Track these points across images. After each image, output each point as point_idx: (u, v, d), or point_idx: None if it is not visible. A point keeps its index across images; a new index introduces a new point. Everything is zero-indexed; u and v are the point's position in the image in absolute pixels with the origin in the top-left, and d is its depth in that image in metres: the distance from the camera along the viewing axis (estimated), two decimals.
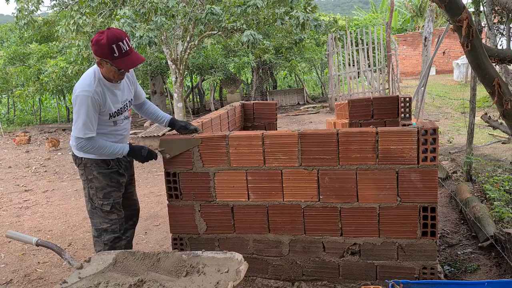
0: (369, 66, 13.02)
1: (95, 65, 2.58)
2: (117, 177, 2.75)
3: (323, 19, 9.88)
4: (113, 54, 2.43)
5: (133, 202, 3.03)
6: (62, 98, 16.84)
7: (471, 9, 4.35)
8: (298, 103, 15.81)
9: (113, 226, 2.74)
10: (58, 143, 10.05)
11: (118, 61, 2.46)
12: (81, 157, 2.69)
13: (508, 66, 4.80)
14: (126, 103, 2.76)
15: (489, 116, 4.12)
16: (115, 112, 2.67)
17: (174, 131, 2.94)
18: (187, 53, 8.45)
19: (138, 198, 3.12)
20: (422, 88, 6.68)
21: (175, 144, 2.78)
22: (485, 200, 4.04)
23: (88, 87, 2.50)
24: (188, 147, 2.76)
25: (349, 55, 12.73)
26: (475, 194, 4.23)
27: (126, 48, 2.47)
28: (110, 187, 2.72)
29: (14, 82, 13.64)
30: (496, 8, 4.39)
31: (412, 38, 22.61)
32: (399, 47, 19.05)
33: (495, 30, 4.65)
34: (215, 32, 8.25)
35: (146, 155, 2.69)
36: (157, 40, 7.08)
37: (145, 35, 6.64)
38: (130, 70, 2.66)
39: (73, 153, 2.76)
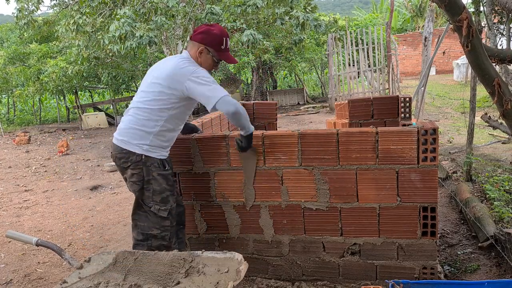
0: (369, 66, 13.02)
1: (181, 56, 2.53)
2: (172, 179, 2.58)
3: (323, 19, 9.89)
4: (221, 45, 2.50)
5: (180, 198, 2.84)
6: (62, 98, 16.85)
7: (471, 9, 4.35)
8: (298, 103, 15.81)
9: (164, 233, 2.54)
10: (68, 145, 9.50)
11: (222, 53, 2.53)
12: (141, 154, 2.45)
13: (508, 66, 4.80)
14: None
15: (489, 116, 4.12)
16: None
17: None
18: None
19: None
20: (422, 88, 6.68)
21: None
22: (485, 200, 4.04)
23: (197, 67, 2.46)
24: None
25: (349, 55, 12.73)
26: (475, 194, 4.23)
27: (228, 46, 2.57)
28: (168, 190, 2.53)
29: (14, 82, 13.65)
30: (496, 8, 4.39)
31: (412, 38, 22.61)
32: (399, 47, 19.06)
33: (495, 30, 4.65)
34: None
35: (250, 146, 2.60)
36: (157, 40, 7.08)
37: (145, 35, 6.64)
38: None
39: (126, 149, 2.47)
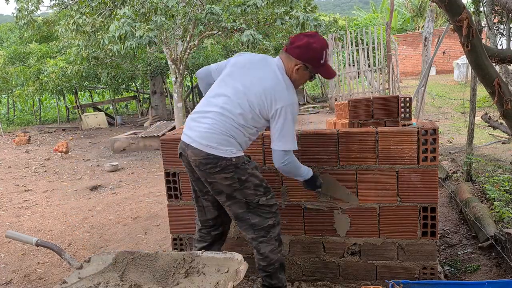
0: (369, 66, 13.02)
1: (278, 68, 2.31)
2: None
3: (323, 19, 9.88)
4: (320, 60, 2.26)
5: None
6: (62, 98, 16.85)
7: (471, 9, 4.35)
8: (298, 103, 15.80)
9: (278, 217, 2.46)
10: (68, 147, 8.95)
11: (322, 69, 2.29)
12: (230, 157, 2.25)
13: (508, 66, 4.80)
14: None
15: (489, 116, 4.12)
16: None
17: (173, 131, 2.93)
18: (187, 53, 8.45)
19: None
20: (422, 88, 6.68)
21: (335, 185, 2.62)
22: (485, 200, 4.04)
23: (294, 95, 2.30)
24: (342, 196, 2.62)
25: (349, 55, 12.73)
26: (475, 194, 4.23)
27: (328, 57, 2.32)
28: (263, 179, 2.42)
29: (14, 82, 13.64)
30: (496, 8, 4.40)
31: (412, 38, 22.63)
32: (399, 47, 19.06)
33: (495, 30, 4.65)
34: (215, 32, 8.25)
35: (319, 186, 2.50)
36: (157, 40, 7.08)
37: (145, 35, 6.63)
38: None
39: (212, 155, 2.24)
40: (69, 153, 9.14)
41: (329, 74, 2.34)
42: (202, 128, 2.26)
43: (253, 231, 2.38)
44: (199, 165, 2.28)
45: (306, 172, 2.41)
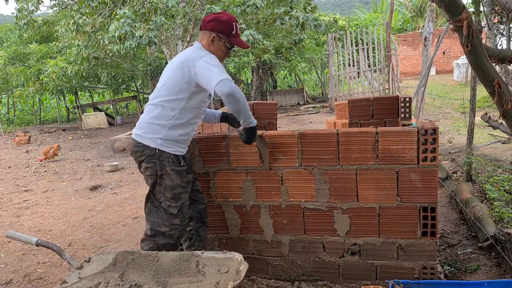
0: (369, 66, 13.02)
1: (193, 47, 2.54)
2: (187, 176, 2.54)
3: (323, 19, 9.89)
4: (231, 31, 2.50)
5: (202, 196, 2.79)
6: (62, 98, 16.86)
7: (471, 9, 4.35)
8: (298, 103, 15.81)
9: (172, 232, 2.48)
10: (57, 149, 8.47)
11: (234, 39, 2.53)
12: (155, 148, 2.43)
13: (508, 66, 4.80)
14: None
15: (489, 116, 4.12)
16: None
17: None
18: None
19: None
20: (422, 88, 6.68)
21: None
22: (485, 200, 4.04)
23: (211, 55, 2.46)
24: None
25: (349, 55, 12.73)
26: (475, 194, 4.23)
27: (238, 31, 2.57)
28: (180, 187, 2.49)
29: (14, 82, 13.65)
30: (496, 8, 4.40)
31: (412, 38, 22.61)
32: (399, 47, 19.06)
33: (495, 30, 4.65)
34: None
35: (254, 139, 2.51)
36: (157, 40, 7.08)
37: (145, 35, 6.64)
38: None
39: (141, 143, 2.47)
40: (57, 155, 8.56)
41: (242, 44, 2.62)
42: (139, 120, 2.56)
43: (147, 227, 2.53)
44: (131, 154, 2.56)
45: (251, 115, 2.45)
